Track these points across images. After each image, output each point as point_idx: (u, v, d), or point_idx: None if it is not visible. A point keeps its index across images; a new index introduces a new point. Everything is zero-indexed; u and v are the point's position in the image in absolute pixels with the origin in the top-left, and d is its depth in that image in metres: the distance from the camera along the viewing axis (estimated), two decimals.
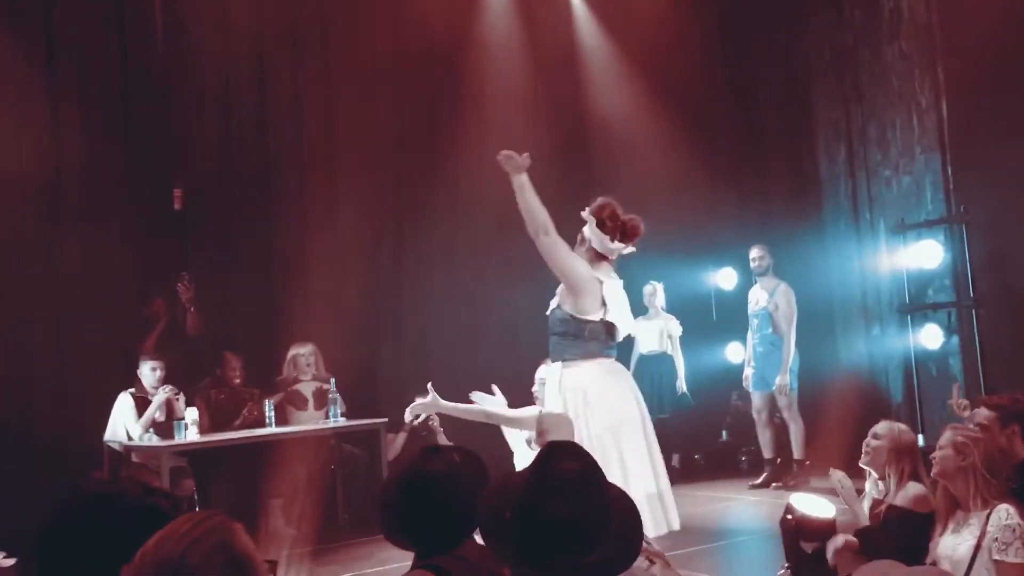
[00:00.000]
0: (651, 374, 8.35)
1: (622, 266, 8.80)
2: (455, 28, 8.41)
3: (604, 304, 4.29)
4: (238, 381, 6.85)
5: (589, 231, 4.37)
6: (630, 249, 4.44)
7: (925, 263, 8.06)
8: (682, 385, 8.35)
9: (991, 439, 3.91)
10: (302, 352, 7.07)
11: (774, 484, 7.51)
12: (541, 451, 1.84)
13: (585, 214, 4.38)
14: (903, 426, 4.33)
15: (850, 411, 7.84)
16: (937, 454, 3.90)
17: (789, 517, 4.57)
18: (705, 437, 8.96)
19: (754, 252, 7.85)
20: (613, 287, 4.37)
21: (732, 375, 8.64)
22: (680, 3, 9.20)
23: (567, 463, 1.73)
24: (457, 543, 2.12)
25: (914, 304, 8.39)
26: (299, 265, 7.56)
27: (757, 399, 7.83)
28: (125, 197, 7.12)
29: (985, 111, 8.06)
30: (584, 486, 1.70)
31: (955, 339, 8.14)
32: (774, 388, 7.57)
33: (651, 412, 8.05)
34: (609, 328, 4.32)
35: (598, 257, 4.36)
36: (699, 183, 9.14)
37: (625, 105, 9.17)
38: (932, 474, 3.95)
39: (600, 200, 4.40)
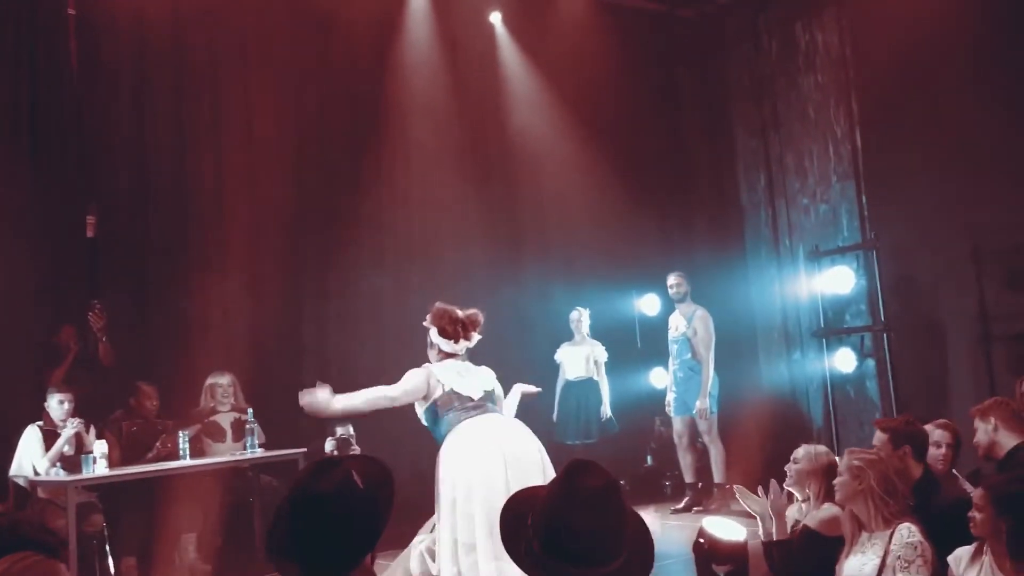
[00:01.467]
0: (577, 400, 8.39)
1: (546, 292, 8.92)
2: (378, 46, 8.42)
3: (440, 382, 4.49)
4: (153, 412, 6.67)
5: (434, 338, 4.62)
6: (476, 340, 4.66)
7: (840, 288, 8.27)
8: (607, 411, 8.39)
9: (885, 461, 4.01)
10: (220, 382, 6.94)
11: (695, 508, 7.58)
12: (565, 466, 1.91)
13: (426, 323, 4.64)
14: (821, 448, 4.43)
15: (771, 434, 8.01)
16: (836, 480, 3.99)
17: (701, 541, 4.61)
18: (630, 462, 9.01)
19: (671, 279, 7.97)
20: (451, 365, 4.56)
21: (656, 400, 8.72)
22: (605, 31, 9.35)
23: (591, 479, 1.81)
24: (346, 568, 2.00)
25: (830, 328, 8.59)
26: (216, 293, 7.42)
27: (678, 423, 7.92)
28: (35, 223, 6.92)
29: (897, 140, 8.33)
30: (606, 502, 1.79)
31: (870, 362, 8.36)
32: (694, 412, 7.66)
33: (577, 437, 8.21)
34: (456, 395, 4.46)
35: (447, 355, 4.60)
36: (623, 209, 9.26)
37: (549, 130, 9.26)
38: (836, 499, 4.04)
39: (436, 308, 4.64)
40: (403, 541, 4.49)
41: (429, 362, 4.64)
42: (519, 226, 9.33)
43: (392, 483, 2.10)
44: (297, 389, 7.78)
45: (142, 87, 7.51)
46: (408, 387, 4.52)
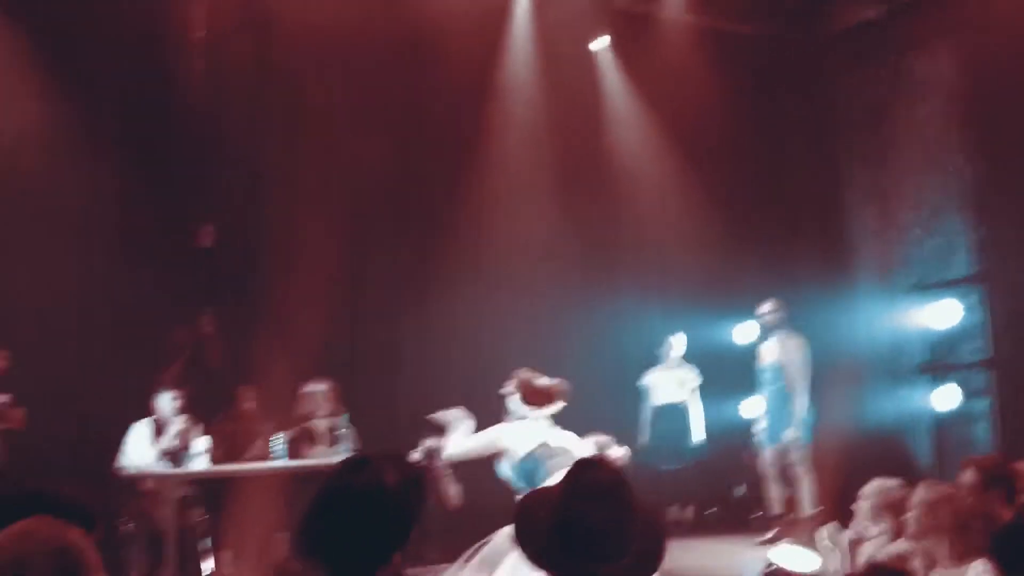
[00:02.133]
0: (669, 424, 8.37)
1: (641, 318, 8.90)
2: (480, 68, 8.65)
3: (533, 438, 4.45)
4: (251, 413, 7.02)
5: (514, 406, 4.59)
6: (558, 408, 4.59)
7: (945, 323, 8.01)
8: (700, 435, 8.33)
9: (961, 497, 3.89)
10: (317, 389, 7.23)
11: (784, 540, 7.41)
12: (574, 463, 1.98)
13: (508, 389, 4.61)
14: (892, 483, 4.33)
15: (869, 469, 7.75)
16: (909, 514, 3.90)
17: (769, 571, 4.59)
18: (720, 490, 8.89)
19: (766, 306, 7.88)
20: (532, 424, 4.51)
21: (748, 429, 8.59)
22: (710, 58, 9.34)
23: (601, 473, 1.88)
24: (374, 568, 1.96)
25: (936, 363, 8.31)
26: (319, 303, 7.75)
27: (768, 453, 7.79)
28: (157, 232, 7.40)
29: (1013, 174, 8.04)
30: (617, 494, 1.85)
31: (982, 401, 8.04)
32: (785, 442, 7.52)
33: (671, 462, 8.15)
34: (551, 448, 4.43)
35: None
36: (725, 236, 9.21)
37: (650, 156, 9.31)
38: (907, 534, 3.95)
39: (517, 376, 4.61)
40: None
41: (483, 447, 4.56)
42: (616, 251, 9.37)
43: (424, 483, 2.12)
44: (392, 398, 8.17)
45: (255, 106, 7.95)
46: (510, 440, 4.50)
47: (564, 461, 4.29)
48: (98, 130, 7.37)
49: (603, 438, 4.90)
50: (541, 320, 8.80)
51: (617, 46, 9.36)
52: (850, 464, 7.77)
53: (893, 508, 4.16)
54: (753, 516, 8.43)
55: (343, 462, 2.14)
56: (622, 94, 9.35)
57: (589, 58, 9.37)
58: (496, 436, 4.51)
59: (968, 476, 4.12)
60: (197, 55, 7.75)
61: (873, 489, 4.26)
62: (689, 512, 8.50)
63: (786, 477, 7.76)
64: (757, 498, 8.60)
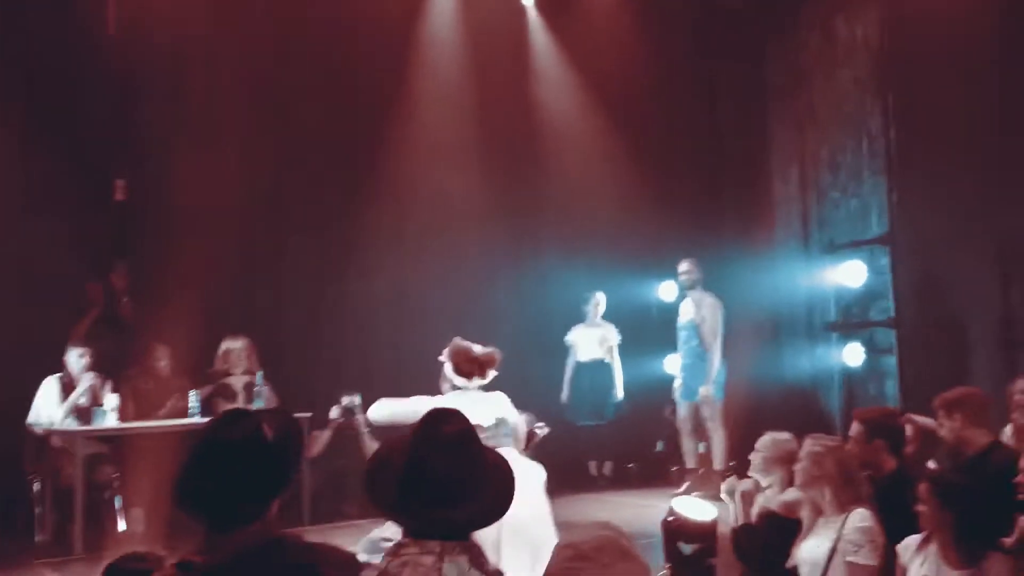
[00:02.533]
0: (589, 381, 8.49)
1: (565, 277, 8.97)
2: (404, 27, 8.55)
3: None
4: (165, 371, 6.93)
5: (449, 373, 4.74)
6: (491, 377, 4.74)
7: (852, 282, 8.23)
8: (619, 392, 8.46)
9: (844, 448, 4.03)
10: (235, 346, 7.17)
11: (695, 493, 7.60)
12: (424, 416, 2.01)
13: (442, 358, 4.74)
14: (784, 436, 4.46)
15: (783, 425, 7.95)
16: (796, 465, 4.03)
17: (670, 519, 4.70)
18: (641, 446, 9.06)
19: (682, 266, 8.00)
20: (462, 395, 4.65)
21: (670, 386, 8.74)
22: (640, 17, 9.35)
23: (448, 426, 1.93)
24: (251, 517, 1.99)
25: (844, 322, 8.53)
26: (235, 261, 7.67)
27: (683, 409, 7.96)
28: (67, 186, 7.20)
29: (931, 138, 8.21)
30: (461, 446, 1.91)
31: (891, 359, 8.28)
32: (699, 398, 7.69)
33: (589, 418, 8.29)
34: None
35: (459, 389, 4.73)
36: (652, 198, 9.28)
37: (578, 117, 9.31)
38: (795, 485, 4.08)
39: (453, 345, 4.72)
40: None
41: (440, 392, 4.78)
42: (543, 212, 9.39)
43: (302, 437, 2.17)
44: (311, 355, 8.13)
45: (173, 59, 7.75)
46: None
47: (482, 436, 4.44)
48: (5, 81, 7.12)
49: (529, 416, 5.01)
50: (466, 278, 8.81)
51: (547, 6, 9.30)
52: (764, 419, 7.95)
53: (784, 460, 4.29)
54: (672, 470, 8.63)
55: (224, 414, 2.18)
56: (549, 51, 9.32)
57: (516, 13, 9.30)
58: (422, 406, 4.57)
59: (854, 428, 4.27)
60: (112, 4, 7.50)
61: (765, 443, 4.40)
62: (608, 468, 8.65)
63: (700, 432, 7.94)
64: (677, 453, 8.79)
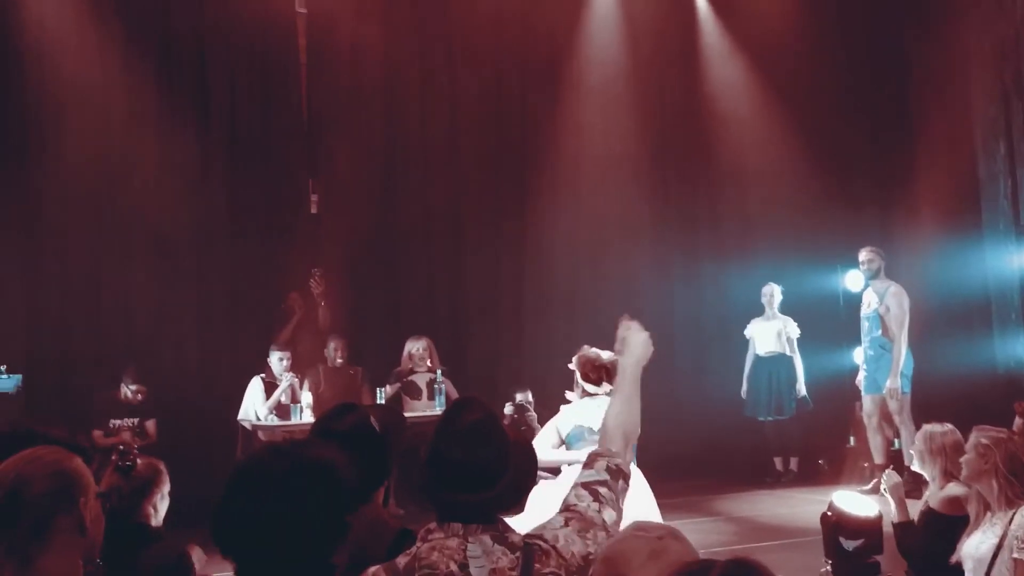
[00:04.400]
0: (768, 375, 8.32)
1: (748, 269, 8.82)
2: (564, 23, 8.69)
3: (569, 420, 4.82)
4: (340, 361, 7.43)
5: (579, 380, 4.90)
6: None
7: None
8: (801, 388, 8.23)
9: (1014, 441, 3.80)
10: (416, 346, 7.57)
11: (883, 489, 7.26)
12: (449, 406, 2.15)
13: (572, 366, 4.91)
14: (940, 428, 4.26)
15: (988, 418, 7.46)
16: (963, 458, 3.85)
17: (829, 514, 4.58)
18: (831, 441, 8.74)
19: (863, 255, 7.67)
20: (588, 402, 4.83)
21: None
22: None
23: (468, 415, 2.02)
24: (362, 499, 2.04)
25: None
26: (421, 267, 8.14)
27: (868, 403, 7.63)
28: (267, 199, 7.91)
29: None
30: (482, 435, 1.99)
31: None
32: (884, 392, 7.34)
33: (769, 413, 8.15)
34: (582, 428, 4.77)
35: (588, 395, 4.89)
36: (839, 182, 8.96)
37: (751, 104, 9.14)
38: (962, 478, 3.89)
39: (580, 354, 4.87)
40: None
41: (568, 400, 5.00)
42: (720, 203, 9.28)
43: (405, 431, 2.38)
44: (492, 354, 8.46)
45: (359, 81, 8.30)
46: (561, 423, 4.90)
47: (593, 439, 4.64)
48: (209, 106, 7.91)
49: None
50: (642, 278, 8.86)
51: None
52: (963, 411, 7.50)
53: (943, 452, 4.09)
54: (864, 466, 8.28)
55: (335, 407, 2.45)
56: (716, 40, 9.19)
57: (683, 6, 9.24)
58: (553, 428, 4.89)
59: (1018, 421, 4.01)
60: (299, 31, 8.15)
61: (923, 435, 4.20)
62: (794, 464, 8.42)
63: (889, 426, 7.58)
64: (866, 449, 8.44)
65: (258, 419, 6.99)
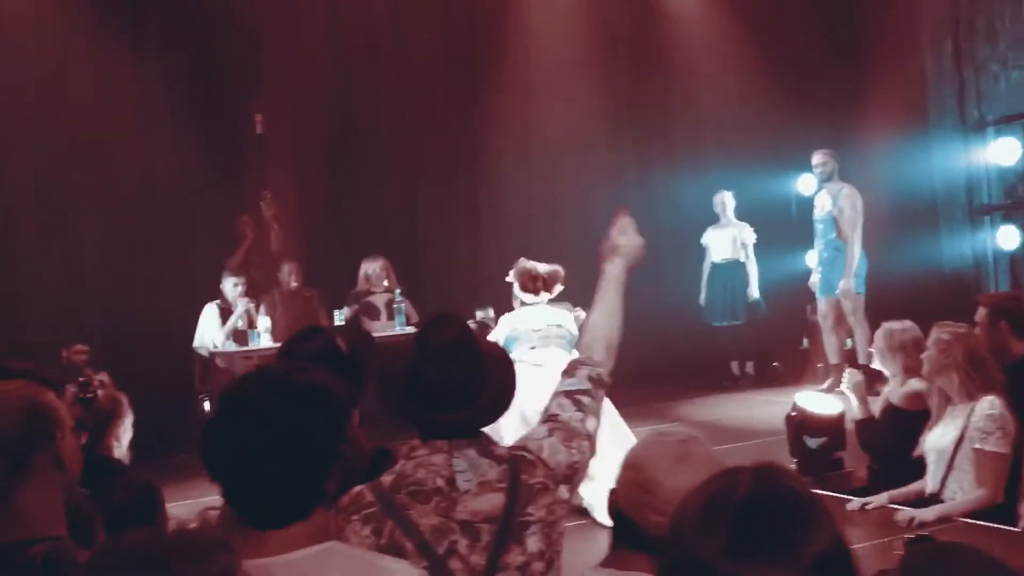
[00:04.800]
0: (723, 281, 8.40)
1: (701, 174, 8.81)
2: None
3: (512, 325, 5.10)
4: (295, 284, 7.32)
5: (516, 292, 5.22)
6: (557, 292, 5.19)
7: (1006, 160, 7.68)
8: (755, 292, 8.33)
9: (974, 335, 3.87)
10: (372, 266, 7.47)
11: (837, 389, 7.44)
12: (424, 321, 2.11)
13: (510, 278, 5.21)
14: (904, 324, 4.32)
15: (936, 313, 7.62)
16: (924, 354, 3.91)
17: (794, 414, 4.67)
18: (784, 344, 8.90)
19: (816, 158, 7.70)
20: (527, 311, 5.15)
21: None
22: None
23: (443, 332, 1.97)
24: None
25: (1005, 203, 8.01)
26: (371, 183, 7.96)
27: (823, 304, 7.75)
28: (210, 121, 7.62)
29: None
30: (458, 352, 1.94)
31: None
32: (838, 293, 7.46)
33: (724, 318, 8.25)
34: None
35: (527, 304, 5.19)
36: (786, 80, 8.90)
37: (701, 1, 8.99)
38: (922, 373, 3.97)
39: (517, 266, 5.17)
40: None
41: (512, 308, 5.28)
42: (671, 110, 9.17)
43: (375, 351, 2.32)
44: (448, 271, 8.40)
45: None
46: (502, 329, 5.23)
47: (535, 339, 4.97)
48: (144, 27, 7.57)
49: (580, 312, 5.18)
50: (596, 188, 8.79)
51: None
52: (919, 310, 7.65)
53: (903, 349, 4.16)
54: (818, 366, 8.46)
55: (300, 332, 2.41)
56: None
57: None
58: (499, 330, 5.18)
59: (979, 313, 4.08)
60: None
61: (883, 332, 4.26)
62: (750, 367, 8.57)
63: (845, 327, 7.72)
64: (823, 350, 8.61)
65: (215, 346, 6.88)
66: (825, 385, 7.58)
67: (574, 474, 1.97)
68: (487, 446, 1.94)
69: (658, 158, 9.16)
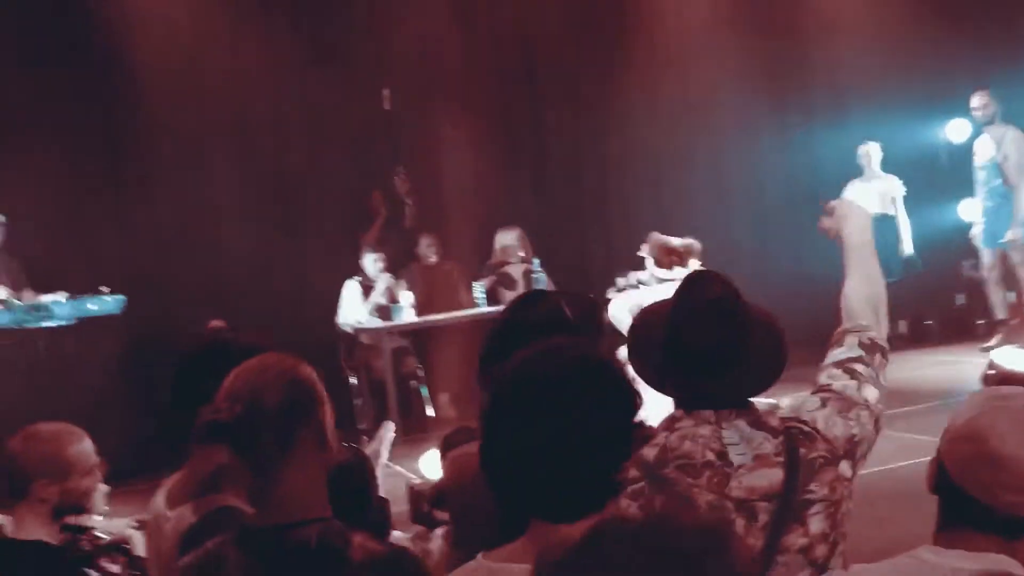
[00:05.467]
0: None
1: (840, 123, 8.38)
2: None
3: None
4: (434, 258, 7.27)
5: (651, 267, 5.09)
6: (693, 266, 4.83)
7: None
8: (908, 248, 7.89)
9: None
10: (508, 236, 7.39)
11: (1009, 344, 6.99)
12: (685, 279, 1.90)
13: (642, 253, 5.12)
14: None
15: None
16: None
17: (992, 372, 4.38)
18: (938, 301, 8.44)
19: (976, 100, 7.23)
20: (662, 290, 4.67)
21: (967, 236, 8.02)
22: None
23: (706, 291, 1.80)
24: None
25: None
26: (501, 154, 7.86)
27: (987, 256, 7.30)
28: (337, 98, 7.61)
29: None
30: (724, 311, 1.77)
31: None
32: (1006, 243, 6.99)
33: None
34: None
35: (664, 280, 5.01)
36: (928, 20, 8.37)
37: None
38: None
39: (652, 240, 5.07)
40: None
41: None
42: (805, 53, 8.71)
43: (601, 316, 2.12)
44: (583, 240, 8.25)
45: None
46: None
47: None
48: (274, 9, 7.61)
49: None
50: (730, 144, 8.49)
51: None
52: None
53: None
54: (978, 323, 8.00)
55: (523, 295, 2.20)
56: None
57: None
58: (632, 303, 4.74)
59: None
60: None
61: None
62: (903, 327, 8.16)
63: (1009, 280, 7.26)
64: (980, 306, 8.13)
65: (358, 322, 6.91)
66: (993, 342, 7.15)
67: (855, 448, 1.78)
68: (758, 417, 1.77)
69: (795, 112, 8.75)
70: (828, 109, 8.73)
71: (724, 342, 1.76)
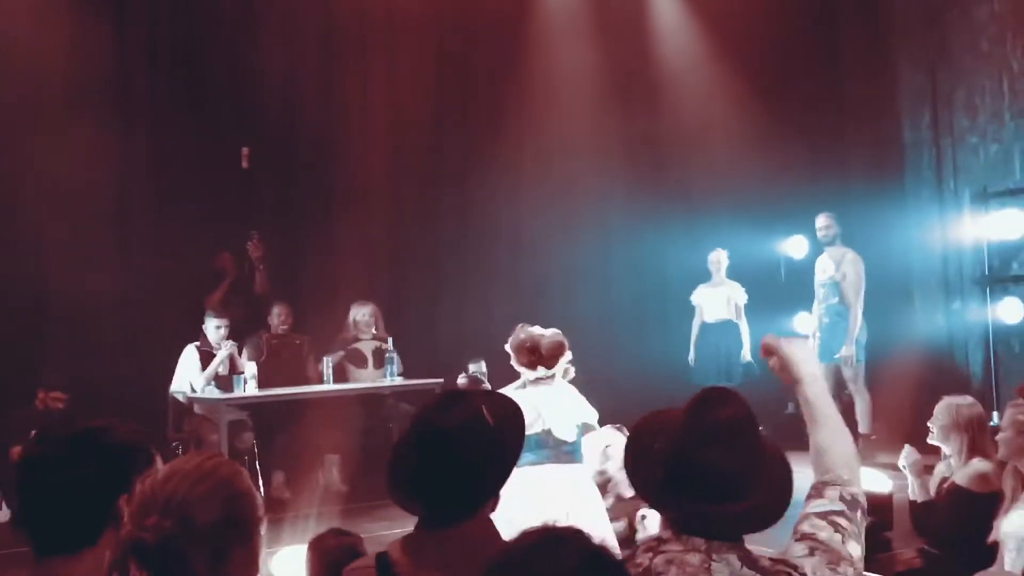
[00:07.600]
0: (716, 342, 8.23)
1: (690, 232, 8.71)
2: None
3: (539, 414, 4.19)
4: (284, 328, 6.92)
5: (514, 364, 4.36)
6: (561, 367, 4.32)
7: (1008, 234, 7.71)
8: (747, 354, 8.19)
9: None
10: (362, 312, 7.14)
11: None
12: (697, 395, 1.78)
13: (508, 347, 4.36)
14: (966, 400, 4.17)
15: (924, 385, 7.57)
16: (1000, 436, 3.76)
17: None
18: (771, 408, 8.77)
19: (820, 221, 7.63)
20: (535, 393, 4.28)
21: None
22: None
23: (722, 410, 1.69)
24: (468, 511, 1.86)
25: (995, 276, 8.05)
26: (359, 224, 7.64)
27: (822, 371, 7.62)
28: (193, 156, 7.24)
29: None
30: (737, 435, 1.67)
31: None
32: (839, 359, 7.36)
33: (717, 380, 8.04)
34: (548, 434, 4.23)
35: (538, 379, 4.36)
36: (772, 145, 8.89)
37: (693, 61, 8.97)
38: (998, 455, 3.81)
39: (515, 335, 4.34)
40: None
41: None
42: (660, 162, 9.08)
43: (523, 422, 1.97)
44: (435, 321, 8.09)
45: (290, 27, 7.68)
46: None
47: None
48: (130, 61, 7.18)
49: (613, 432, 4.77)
50: (583, 241, 8.64)
51: None
52: (904, 382, 7.61)
53: (969, 426, 4.00)
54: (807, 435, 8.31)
55: (439, 397, 2.01)
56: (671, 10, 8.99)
57: None
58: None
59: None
60: None
61: (943, 408, 4.09)
62: None
63: (841, 396, 7.61)
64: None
65: (194, 390, 6.42)
66: None
67: None
68: (749, 554, 1.65)
69: (647, 213, 9.03)
70: (679, 213, 9.06)
71: (732, 467, 1.65)
